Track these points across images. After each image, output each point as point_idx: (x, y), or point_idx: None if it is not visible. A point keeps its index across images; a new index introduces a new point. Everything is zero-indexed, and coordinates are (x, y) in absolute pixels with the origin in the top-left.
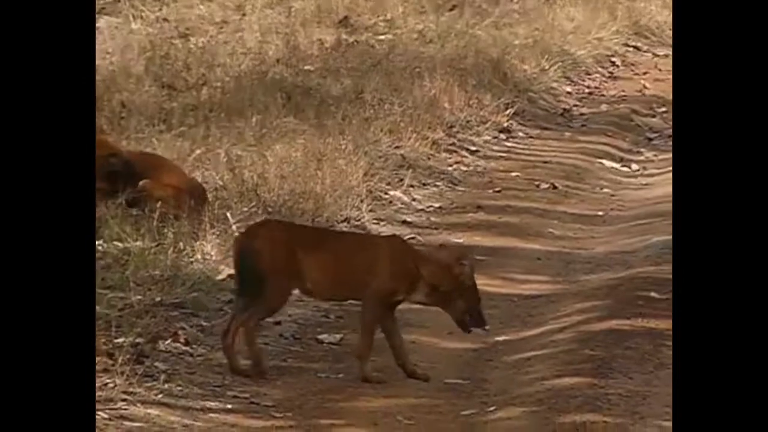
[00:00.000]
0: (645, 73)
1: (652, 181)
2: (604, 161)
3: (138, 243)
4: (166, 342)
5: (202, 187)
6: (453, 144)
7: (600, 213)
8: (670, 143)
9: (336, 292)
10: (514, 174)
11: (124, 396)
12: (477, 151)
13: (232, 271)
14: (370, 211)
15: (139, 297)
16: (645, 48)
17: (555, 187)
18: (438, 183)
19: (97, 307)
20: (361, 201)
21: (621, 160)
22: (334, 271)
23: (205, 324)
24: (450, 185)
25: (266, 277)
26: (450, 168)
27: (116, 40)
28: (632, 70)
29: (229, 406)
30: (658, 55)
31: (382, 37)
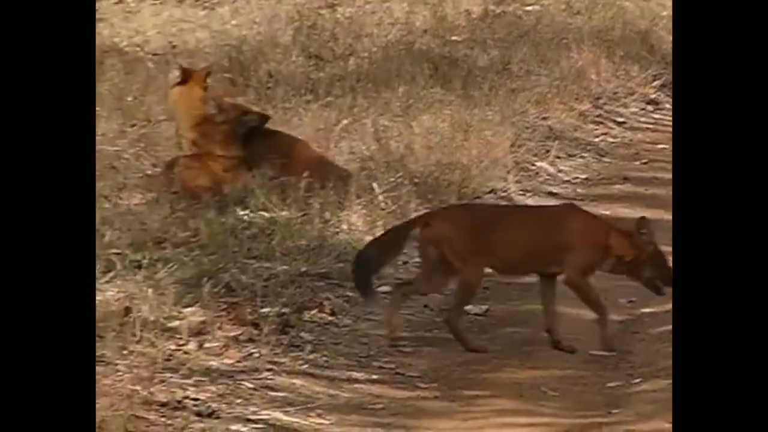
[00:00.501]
0: None
1: None
2: None
3: (284, 213)
4: (312, 312)
5: (343, 169)
6: (600, 115)
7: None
8: None
9: (528, 266)
10: (660, 146)
11: (270, 366)
12: (624, 122)
13: None
14: (517, 182)
15: (285, 267)
16: None
17: None
18: (585, 154)
19: (243, 277)
20: (508, 172)
21: None
22: (524, 246)
23: (350, 294)
24: (597, 157)
25: (458, 263)
26: (597, 139)
27: (264, 10)
28: None
29: (375, 377)
30: None
31: (529, 8)
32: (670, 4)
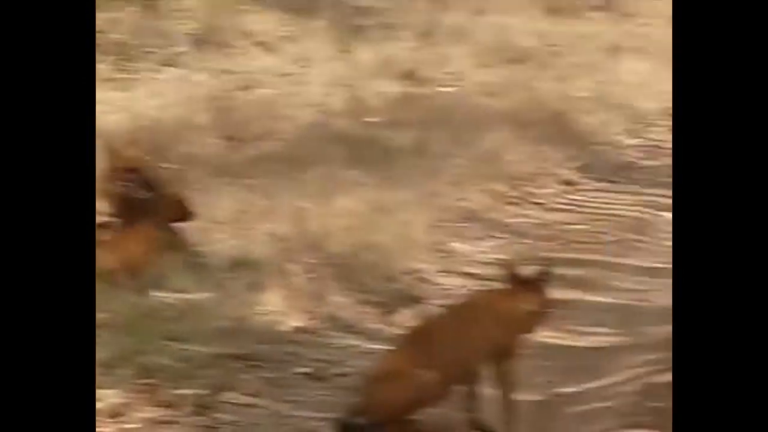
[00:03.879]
0: None
1: None
2: (667, 214)
3: (201, 294)
4: (230, 394)
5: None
6: (517, 196)
7: (664, 265)
8: None
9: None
10: (578, 226)
11: None
12: (541, 203)
13: (297, 323)
14: (434, 263)
15: (203, 348)
16: None
17: (620, 240)
18: (502, 235)
19: (161, 359)
20: (425, 253)
21: None
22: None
23: (269, 376)
24: (514, 237)
25: None
26: (513, 220)
27: (180, 92)
28: None
29: None
30: None
31: (445, 89)
32: (585, 85)
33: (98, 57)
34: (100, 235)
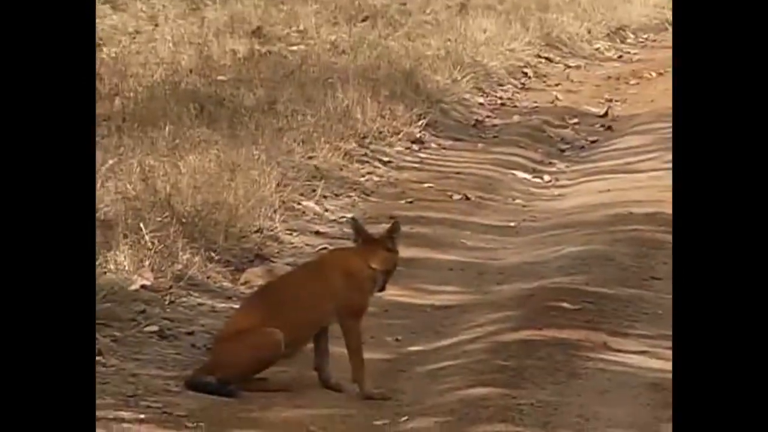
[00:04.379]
0: (557, 85)
1: (564, 192)
2: (516, 172)
3: None
4: None
5: None
6: (365, 155)
7: (512, 224)
8: (582, 154)
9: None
10: (426, 185)
11: None
12: (389, 161)
13: (144, 282)
14: (283, 221)
15: None
16: (557, 59)
17: (468, 198)
18: (351, 194)
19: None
20: (274, 211)
21: (533, 171)
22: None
23: (117, 334)
24: (363, 196)
25: None
26: (362, 179)
27: None
28: (544, 81)
29: (142, 416)
30: (570, 66)
31: (295, 47)
32: (434, 43)
33: None
34: None
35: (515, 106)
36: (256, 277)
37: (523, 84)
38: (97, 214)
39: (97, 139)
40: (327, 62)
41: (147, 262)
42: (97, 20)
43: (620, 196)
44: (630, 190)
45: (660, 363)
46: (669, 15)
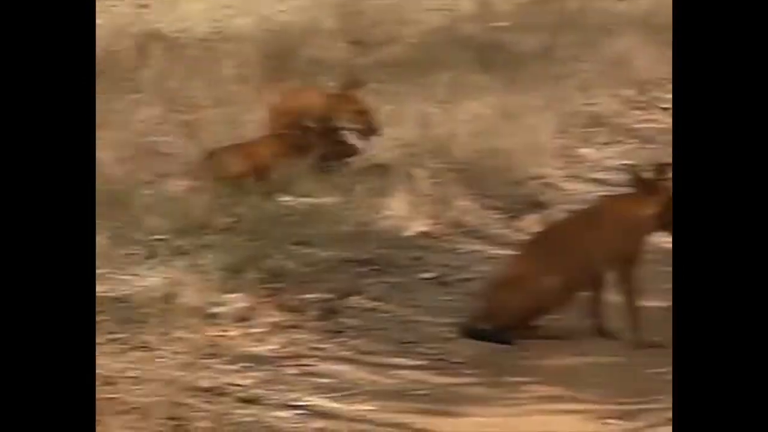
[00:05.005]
0: None
1: None
2: None
3: (328, 199)
4: (355, 298)
5: None
6: (644, 101)
7: None
8: None
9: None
10: None
11: (313, 352)
12: (668, 108)
13: (422, 228)
14: (560, 168)
15: (329, 253)
16: None
17: None
18: (629, 141)
19: (286, 263)
20: (552, 159)
21: None
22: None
23: (394, 281)
24: (641, 143)
25: None
26: (641, 125)
27: None
28: None
29: (418, 363)
30: None
31: None
32: None
33: None
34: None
35: None
36: (532, 223)
37: None
38: (375, 161)
39: (374, 85)
40: (607, 8)
41: (423, 208)
42: None
43: None
44: None
45: None
46: None
